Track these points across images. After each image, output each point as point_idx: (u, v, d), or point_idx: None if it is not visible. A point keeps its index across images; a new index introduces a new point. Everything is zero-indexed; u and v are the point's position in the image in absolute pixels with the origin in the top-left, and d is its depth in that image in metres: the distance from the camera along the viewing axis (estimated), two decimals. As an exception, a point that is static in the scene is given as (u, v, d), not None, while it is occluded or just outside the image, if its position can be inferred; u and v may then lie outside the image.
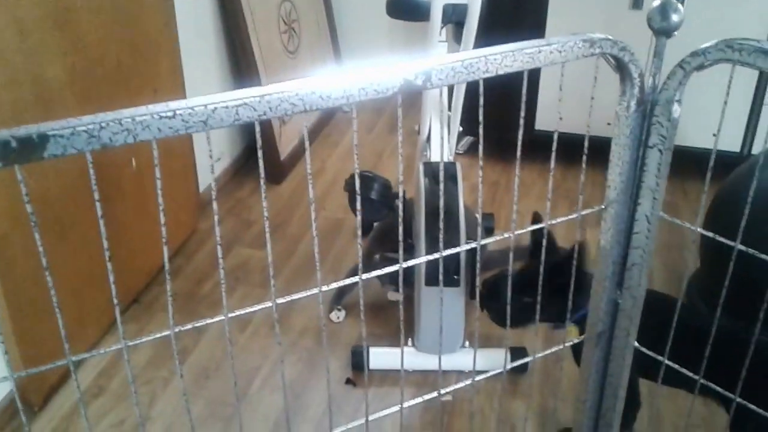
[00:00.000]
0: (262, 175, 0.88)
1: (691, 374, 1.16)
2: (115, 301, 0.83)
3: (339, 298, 2.22)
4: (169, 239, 0.85)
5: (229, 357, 2.07)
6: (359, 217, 0.97)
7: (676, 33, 0.97)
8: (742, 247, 1.02)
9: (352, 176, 2.31)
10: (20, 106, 1.71)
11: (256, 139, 0.84)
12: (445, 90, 2.36)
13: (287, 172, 3.05)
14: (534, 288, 1.18)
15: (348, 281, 1.03)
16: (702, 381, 1.15)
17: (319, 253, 0.94)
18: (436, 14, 1.99)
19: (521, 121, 0.97)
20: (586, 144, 1.04)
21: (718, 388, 1.14)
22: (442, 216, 0.99)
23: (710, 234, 1.08)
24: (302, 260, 2.50)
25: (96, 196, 0.78)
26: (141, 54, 2.19)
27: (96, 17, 1.95)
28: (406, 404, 1.10)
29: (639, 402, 1.73)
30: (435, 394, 1.14)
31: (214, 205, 0.89)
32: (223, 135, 2.98)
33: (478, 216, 1.22)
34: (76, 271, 1.96)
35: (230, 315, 0.92)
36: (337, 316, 2.21)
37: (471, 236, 2.00)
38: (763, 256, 0.99)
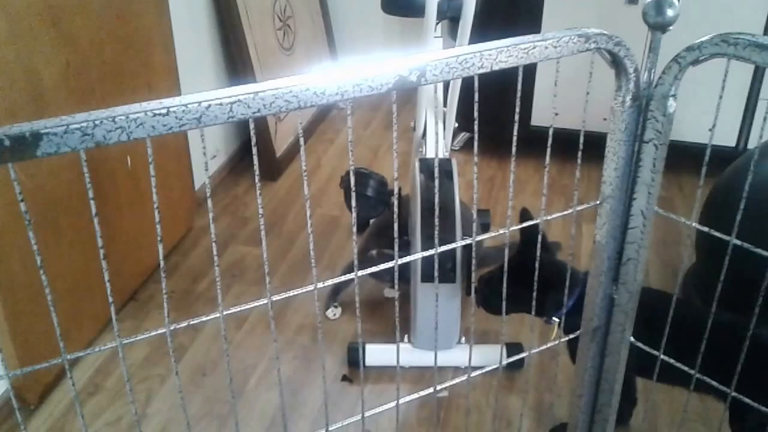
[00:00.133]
0: (257, 172, 0.88)
1: (686, 368, 1.16)
2: (111, 299, 0.83)
3: (335, 295, 2.22)
4: (164, 237, 0.85)
5: (225, 354, 2.07)
6: (354, 214, 0.97)
7: (671, 28, 0.97)
8: (738, 242, 1.02)
9: (348, 173, 2.31)
10: (13, 103, 1.70)
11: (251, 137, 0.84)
12: (441, 86, 2.35)
13: (283, 169, 3.05)
14: (515, 281, 1.19)
15: (344, 278, 1.03)
16: (698, 375, 1.15)
17: (314, 251, 0.94)
18: (431, 10, 1.99)
19: (516, 117, 0.97)
20: (581, 139, 1.04)
21: (714, 383, 1.14)
22: (437, 212, 0.99)
23: (705, 229, 1.08)
24: (298, 257, 2.50)
25: (90, 194, 0.77)
26: (135, 51, 2.18)
27: (89, 14, 1.94)
28: (402, 400, 1.11)
29: (635, 398, 1.74)
30: (431, 390, 1.14)
31: (209, 202, 0.88)
32: (219, 132, 2.97)
33: (474, 212, 1.23)
34: (71, 269, 1.95)
35: (226, 312, 0.92)
36: (334, 313, 2.21)
37: (467, 232, 2.01)
38: (759, 251, 1.00)
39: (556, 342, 1.25)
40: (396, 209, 1.13)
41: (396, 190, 1.20)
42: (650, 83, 0.99)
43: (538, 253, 1.17)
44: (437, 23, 2.08)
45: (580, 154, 1.06)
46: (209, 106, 0.75)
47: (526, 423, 1.84)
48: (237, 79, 2.90)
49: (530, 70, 2.85)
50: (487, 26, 2.28)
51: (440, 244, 1.01)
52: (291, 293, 0.96)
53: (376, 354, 1.99)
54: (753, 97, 2.72)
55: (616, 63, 0.96)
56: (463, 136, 3.26)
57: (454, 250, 1.91)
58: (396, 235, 0.98)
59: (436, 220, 1.00)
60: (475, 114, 0.94)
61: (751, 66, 2.58)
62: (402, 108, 3.33)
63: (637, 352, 1.21)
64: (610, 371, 1.22)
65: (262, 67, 2.91)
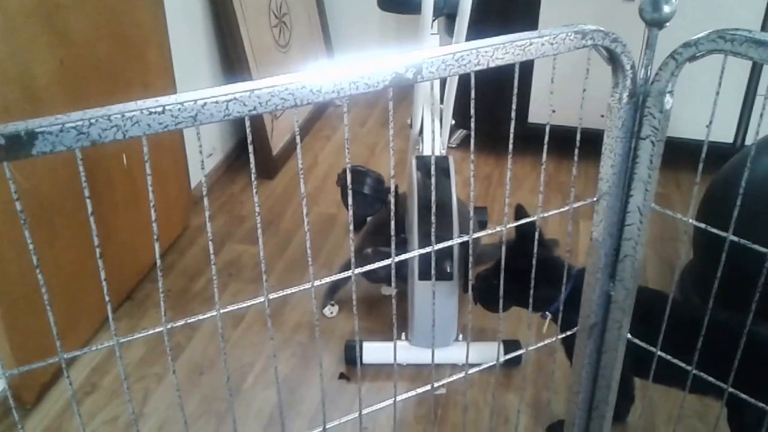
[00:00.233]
0: (254, 170, 0.88)
1: (683, 365, 1.16)
2: (107, 298, 0.83)
3: (332, 293, 2.22)
4: (161, 236, 0.85)
5: (222, 353, 2.07)
6: (351, 212, 0.97)
7: (668, 24, 0.97)
8: (734, 238, 1.02)
9: (345, 171, 2.31)
10: (7, 102, 1.69)
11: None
12: (437, 83, 2.35)
13: (280, 167, 3.04)
14: (510, 277, 1.20)
15: (341, 275, 1.03)
16: (695, 371, 1.15)
17: (311, 248, 0.94)
18: (428, 7, 1.99)
19: (513, 114, 0.97)
20: (578, 136, 1.04)
21: (711, 379, 1.14)
22: (434, 210, 0.99)
23: (701, 225, 1.08)
24: (295, 255, 2.50)
25: (86, 193, 0.77)
26: (130, 49, 2.17)
27: (84, 11, 1.94)
28: (399, 398, 1.10)
29: (632, 396, 1.74)
30: (428, 387, 1.14)
31: (206, 201, 0.88)
32: (215, 130, 2.97)
33: (471, 210, 1.23)
34: (67, 268, 1.95)
35: (223, 311, 0.91)
36: (331, 311, 2.20)
37: (464, 230, 2.00)
38: (756, 247, 1.00)
39: (553, 339, 1.25)
40: (393, 207, 1.13)
41: (392, 188, 1.20)
42: (647, 80, 0.99)
43: (535, 249, 1.17)
44: (434, 20, 2.08)
45: (577, 151, 1.06)
46: (205, 104, 0.75)
47: (524, 420, 1.84)
48: (233, 77, 2.89)
49: (527, 67, 2.84)
50: (484, 23, 2.27)
51: (437, 242, 1.01)
52: (288, 291, 0.95)
53: (374, 352, 1.99)
54: (751, 94, 2.72)
55: (613, 59, 0.96)
56: (460, 133, 3.26)
57: (451, 248, 1.91)
58: (393, 232, 0.98)
59: (433, 218, 1.00)
60: (472, 111, 0.94)
61: (750, 62, 2.58)
62: (398, 105, 3.33)
63: (633, 352, 1.22)
64: (607, 368, 1.22)
65: (258, 65, 2.90)
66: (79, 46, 1.93)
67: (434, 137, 2.23)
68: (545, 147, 1.02)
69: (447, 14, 2.11)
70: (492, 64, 0.87)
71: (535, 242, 1.13)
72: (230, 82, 0.77)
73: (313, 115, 3.44)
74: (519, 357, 1.96)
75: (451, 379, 1.20)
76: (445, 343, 1.99)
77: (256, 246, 2.52)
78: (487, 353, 1.89)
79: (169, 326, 0.89)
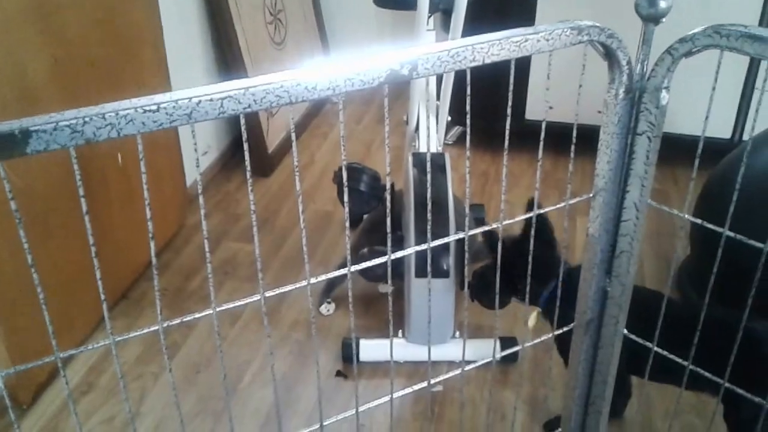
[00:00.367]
0: (249, 168, 0.87)
1: (679, 360, 1.16)
2: (103, 296, 0.83)
3: (329, 290, 2.21)
4: (156, 234, 0.84)
5: (218, 351, 2.06)
6: (347, 209, 0.97)
7: (664, 19, 0.96)
8: (731, 233, 1.02)
9: (341, 168, 2.31)
10: (2, 100, 1.69)
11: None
12: (434, 79, 2.35)
13: (275, 165, 3.04)
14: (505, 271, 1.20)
15: (337, 273, 1.03)
16: (691, 367, 1.16)
17: (307, 246, 0.94)
18: (423, 3, 1.98)
19: (509, 111, 0.96)
20: (574, 133, 1.04)
21: (707, 374, 1.14)
22: (430, 207, 0.99)
23: (698, 221, 1.08)
24: (291, 253, 2.50)
25: (81, 191, 0.77)
26: (125, 47, 2.16)
27: (79, 10, 1.93)
28: (396, 395, 1.10)
29: (629, 392, 1.74)
30: (425, 384, 1.14)
31: (201, 199, 0.88)
32: (210, 128, 2.96)
33: (467, 207, 1.22)
34: (63, 267, 1.94)
35: (219, 309, 0.91)
36: (327, 308, 2.20)
37: (460, 227, 2.00)
38: (752, 242, 1.00)
39: (550, 335, 1.25)
40: (389, 204, 1.13)
41: (388, 185, 1.20)
42: (643, 75, 0.99)
43: (530, 246, 1.17)
44: (429, 16, 2.08)
45: (573, 147, 1.05)
46: (200, 101, 0.74)
47: (520, 416, 1.84)
48: (228, 75, 2.88)
49: (524, 64, 2.84)
50: (480, 19, 2.27)
51: (434, 239, 1.01)
52: (284, 289, 0.95)
53: (370, 349, 1.98)
54: (748, 89, 2.71)
55: (609, 55, 0.96)
56: (456, 130, 3.26)
57: (447, 245, 1.91)
58: (389, 230, 0.97)
59: (429, 215, 1.00)
60: (468, 108, 0.94)
61: (747, 57, 2.58)
62: (394, 102, 3.33)
63: (628, 349, 1.22)
64: (604, 363, 1.22)
65: (253, 62, 2.89)
66: (73, 44, 1.92)
67: (430, 134, 2.23)
68: (541, 143, 1.01)
69: (443, 10, 2.11)
70: (488, 61, 0.87)
71: (531, 238, 1.13)
72: (225, 80, 0.77)
73: (310, 112, 3.44)
74: (515, 354, 1.96)
75: (447, 376, 1.20)
76: (441, 340, 1.99)
77: (252, 244, 2.51)
78: (484, 350, 1.89)
79: (165, 325, 0.89)
